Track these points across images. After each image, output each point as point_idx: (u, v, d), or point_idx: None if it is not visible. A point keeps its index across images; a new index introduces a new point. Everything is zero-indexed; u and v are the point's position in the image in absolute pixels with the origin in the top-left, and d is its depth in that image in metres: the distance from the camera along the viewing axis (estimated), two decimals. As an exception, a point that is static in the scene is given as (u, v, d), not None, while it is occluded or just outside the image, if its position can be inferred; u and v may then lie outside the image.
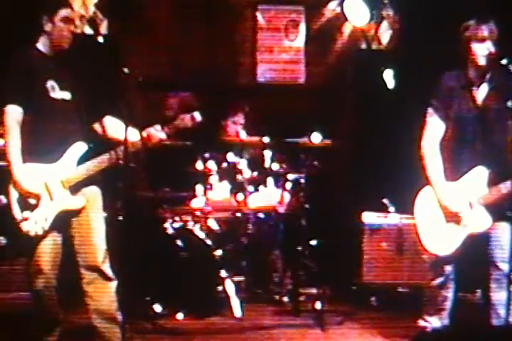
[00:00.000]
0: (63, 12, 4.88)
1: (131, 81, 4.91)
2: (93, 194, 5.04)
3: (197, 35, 8.07)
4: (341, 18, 8.04)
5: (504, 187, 4.97)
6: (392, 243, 6.70)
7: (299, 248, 6.60)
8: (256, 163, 6.83)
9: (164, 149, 5.30)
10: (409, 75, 7.29)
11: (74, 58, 5.00)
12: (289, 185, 6.84)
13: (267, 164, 6.82)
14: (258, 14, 8.26)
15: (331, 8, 8.16)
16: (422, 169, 5.18)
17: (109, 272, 4.99)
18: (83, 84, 4.99)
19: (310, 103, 8.03)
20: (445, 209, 5.12)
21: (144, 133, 5.01)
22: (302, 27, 8.29)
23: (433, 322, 5.23)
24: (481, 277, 5.15)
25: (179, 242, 6.35)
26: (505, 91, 5.00)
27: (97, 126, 5.12)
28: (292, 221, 6.81)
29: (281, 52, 8.31)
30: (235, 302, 6.24)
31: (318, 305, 6.24)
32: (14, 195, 4.87)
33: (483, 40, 5.05)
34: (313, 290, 6.57)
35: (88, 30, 6.37)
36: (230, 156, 6.72)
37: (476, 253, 5.11)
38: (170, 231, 6.43)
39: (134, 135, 4.95)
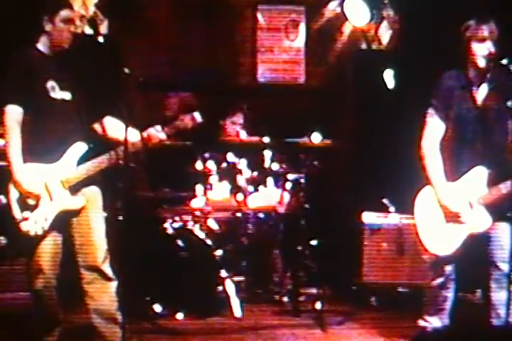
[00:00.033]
0: (64, 12, 4.88)
1: (131, 81, 4.91)
2: (93, 194, 5.04)
3: (197, 35, 8.07)
4: (341, 18, 8.03)
5: (504, 187, 4.97)
6: (392, 243, 6.70)
7: (299, 248, 6.60)
8: (256, 163, 6.83)
9: (164, 149, 5.30)
10: (409, 75, 7.29)
11: (74, 58, 5.00)
12: (289, 185, 6.84)
13: (267, 164, 6.82)
14: (258, 14, 8.26)
15: (331, 8, 8.15)
16: (422, 169, 5.18)
17: (109, 272, 4.99)
18: (83, 84, 4.99)
19: (310, 103, 8.03)
20: (445, 209, 5.12)
21: (144, 134, 5.01)
22: (302, 27, 8.29)
23: (433, 322, 5.23)
24: (481, 277, 5.15)
25: (179, 242, 6.35)
26: (505, 91, 5.00)
27: (97, 126, 5.13)
28: (292, 221, 6.80)
29: (282, 52, 8.31)
30: (235, 302, 6.24)
31: (318, 305, 6.24)
32: (14, 194, 4.88)
33: (483, 40, 5.05)
34: (313, 290, 6.56)
35: (88, 30, 6.36)
36: (230, 156, 6.72)
37: (476, 254, 5.11)
38: (170, 231, 6.43)
39: (134, 135, 4.95)
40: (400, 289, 6.66)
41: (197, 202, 6.69)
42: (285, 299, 6.64)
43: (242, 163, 6.74)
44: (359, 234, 6.76)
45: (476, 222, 5.05)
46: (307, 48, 8.31)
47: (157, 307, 6.16)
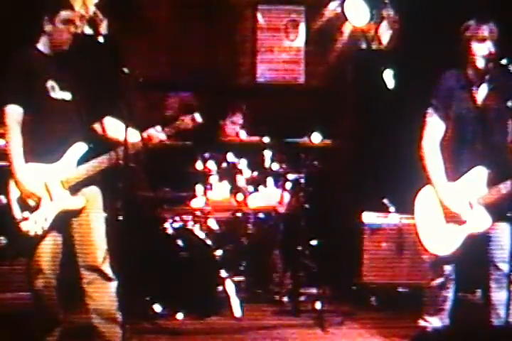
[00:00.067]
0: (64, 14, 4.88)
1: (131, 81, 4.91)
2: (93, 194, 5.04)
3: (197, 35, 8.08)
4: (341, 18, 8.03)
5: (504, 187, 4.96)
6: (392, 243, 6.70)
7: (299, 248, 6.60)
8: (256, 163, 6.83)
9: (164, 149, 5.30)
10: (409, 75, 7.29)
11: (74, 58, 5.00)
12: (289, 185, 6.84)
13: (267, 164, 6.82)
14: (258, 14, 8.26)
15: (331, 8, 8.16)
16: (423, 169, 5.18)
17: (109, 272, 4.99)
18: (83, 85, 4.99)
19: (310, 103, 8.03)
20: (445, 209, 5.12)
21: (144, 134, 5.01)
22: (302, 27, 8.29)
23: (433, 322, 5.23)
24: (481, 277, 5.15)
25: (179, 242, 6.35)
26: (505, 91, 5.00)
27: (97, 127, 5.12)
28: (292, 221, 6.81)
29: (281, 52, 8.31)
30: (235, 302, 6.24)
31: (318, 305, 6.24)
32: (14, 194, 4.88)
33: (483, 40, 5.05)
34: (313, 290, 6.57)
35: (88, 30, 6.37)
36: (230, 156, 6.72)
37: (476, 254, 5.11)
38: (170, 231, 6.43)
39: (134, 135, 4.95)
40: (400, 289, 6.67)
41: (197, 202, 6.69)
42: (285, 299, 6.64)
43: (242, 163, 6.74)
44: (359, 234, 6.77)
45: (476, 222, 5.05)
46: (307, 48, 8.31)
47: (157, 307, 6.16)
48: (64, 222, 4.95)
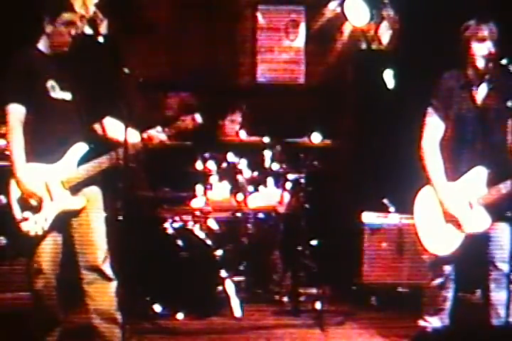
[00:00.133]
0: (65, 15, 4.88)
1: (131, 81, 4.91)
2: (93, 194, 5.04)
3: (197, 35, 8.07)
4: (341, 18, 8.03)
5: (504, 187, 4.97)
6: (392, 243, 6.70)
7: (299, 248, 6.60)
8: (256, 163, 6.83)
9: (164, 149, 5.30)
10: (409, 75, 7.29)
11: (74, 58, 5.00)
12: (289, 185, 6.84)
13: (267, 164, 6.82)
14: (258, 14, 8.26)
15: (331, 8, 8.15)
16: (422, 169, 5.18)
17: (109, 272, 4.99)
18: (83, 85, 4.99)
19: (310, 103, 8.03)
20: (445, 209, 5.12)
21: (145, 135, 5.02)
22: (302, 27, 8.29)
23: (433, 322, 5.23)
24: (481, 277, 5.15)
25: (179, 242, 6.35)
26: (505, 91, 5.00)
27: (97, 127, 5.12)
28: (292, 221, 6.80)
29: (281, 52, 8.30)
30: (235, 302, 6.24)
31: (318, 305, 6.24)
32: (15, 194, 4.88)
33: (483, 40, 5.05)
34: (313, 290, 6.56)
35: (88, 31, 6.36)
36: (230, 156, 6.72)
37: (475, 254, 5.11)
38: (170, 231, 6.43)
39: (134, 136, 4.96)
40: (400, 289, 6.66)
41: (197, 202, 6.69)
42: (285, 299, 6.63)
43: (242, 163, 6.74)
44: (359, 234, 6.76)
45: (475, 222, 5.05)
46: (307, 48, 8.31)
47: (157, 307, 6.16)
48: (64, 222, 4.95)
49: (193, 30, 8.06)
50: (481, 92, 5.13)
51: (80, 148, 4.96)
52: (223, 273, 6.34)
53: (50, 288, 4.96)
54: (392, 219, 6.77)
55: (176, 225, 6.51)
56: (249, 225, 6.76)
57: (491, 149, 5.06)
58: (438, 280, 5.21)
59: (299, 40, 8.30)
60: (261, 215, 6.88)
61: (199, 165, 6.66)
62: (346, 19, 8.00)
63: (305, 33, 8.29)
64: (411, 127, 5.46)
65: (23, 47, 5.02)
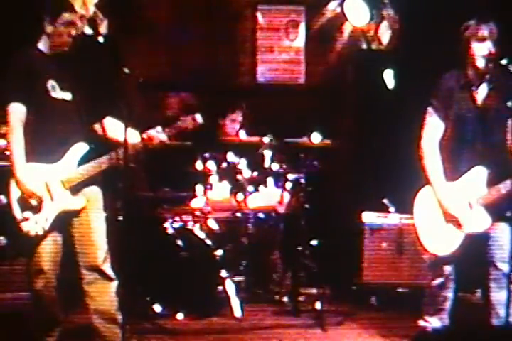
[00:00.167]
0: (65, 16, 4.88)
1: (131, 81, 4.91)
2: (94, 194, 5.04)
3: (197, 35, 8.07)
4: (341, 18, 8.03)
5: (503, 187, 4.97)
6: (392, 243, 6.70)
7: (299, 248, 6.60)
8: (256, 163, 6.83)
9: (164, 149, 5.30)
10: (409, 75, 7.29)
11: (74, 58, 5.00)
12: (289, 185, 6.84)
13: (267, 164, 6.82)
14: (258, 14, 8.26)
15: (331, 8, 8.15)
16: (422, 169, 5.18)
17: (109, 272, 4.99)
18: (83, 85, 4.99)
19: (310, 103, 8.03)
20: (444, 209, 5.12)
21: (145, 135, 5.02)
22: (302, 27, 8.29)
23: (433, 322, 5.24)
24: (481, 277, 5.15)
25: (179, 242, 6.35)
26: (505, 91, 5.00)
27: (97, 127, 5.12)
28: (292, 221, 6.81)
29: (281, 52, 8.30)
30: (235, 302, 6.25)
31: (318, 305, 6.24)
32: (15, 194, 4.88)
33: (483, 40, 5.05)
34: (313, 290, 6.57)
35: (88, 31, 6.36)
36: (230, 156, 6.72)
37: (475, 254, 5.11)
38: (170, 231, 6.44)
39: (134, 136, 4.96)
40: (400, 289, 6.66)
41: (197, 202, 6.69)
42: (285, 299, 6.64)
43: (242, 163, 6.74)
44: (359, 234, 6.76)
45: (475, 222, 5.05)
46: (307, 48, 8.31)
47: (157, 307, 6.16)
48: (64, 222, 4.95)
49: (193, 30, 8.06)
50: (481, 92, 5.13)
51: (80, 148, 4.96)
52: (223, 273, 6.34)
53: (50, 288, 4.96)
54: (392, 219, 6.77)
55: (176, 225, 6.51)
56: (249, 225, 6.76)
57: (491, 149, 5.06)
58: (438, 280, 5.21)
59: (299, 40, 8.30)
60: (261, 215, 6.88)
61: (199, 165, 6.66)
62: (346, 19, 8.00)
63: (305, 33, 8.29)
64: (411, 127, 5.46)
65: (24, 47, 5.02)
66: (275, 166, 6.81)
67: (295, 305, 6.41)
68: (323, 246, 7.07)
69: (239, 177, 6.70)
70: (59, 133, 4.90)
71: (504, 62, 4.93)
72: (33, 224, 4.85)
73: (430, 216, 5.17)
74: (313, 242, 6.98)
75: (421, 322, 5.29)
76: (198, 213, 6.65)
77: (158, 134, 5.04)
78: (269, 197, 6.88)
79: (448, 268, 5.18)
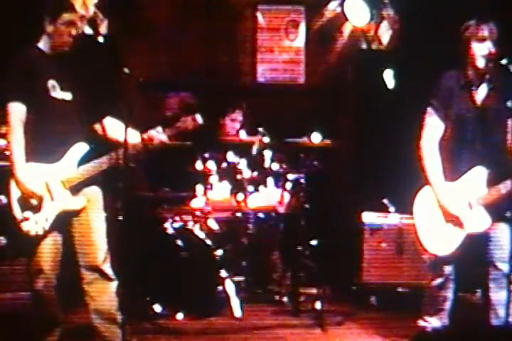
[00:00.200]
0: (66, 16, 4.88)
1: (131, 81, 4.91)
2: (94, 194, 5.04)
3: (197, 35, 8.07)
4: (341, 18, 8.03)
5: (503, 187, 4.97)
6: (392, 243, 6.70)
7: (299, 248, 6.60)
8: (256, 163, 6.83)
9: (164, 149, 5.30)
10: (409, 75, 7.29)
11: (74, 58, 5.00)
12: (289, 185, 6.84)
13: (267, 164, 6.82)
14: (258, 14, 8.26)
15: (331, 8, 8.15)
16: (422, 169, 5.18)
17: (109, 272, 4.99)
18: (83, 85, 4.99)
19: (310, 103, 8.03)
20: (444, 209, 5.12)
21: (145, 135, 5.02)
22: (302, 27, 8.29)
23: (433, 322, 5.23)
24: (481, 277, 5.15)
25: (179, 242, 6.35)
26: (504, 91, 5.00)
27: (97, 127, 5.12)
28: (292, 221, 6.81)
29: (281, 52, 8.31)
30: (235, 302, 6.25)
31: (318, 305, 6.24)
32: (15, 194, 4.88)
33: (483, 40, 5.05)
34: (313, 290, 6.56)
35: (88, 31, 6.36)
36: (230, 156, 6.72)
37: (475, 254, 5.11)
38: (170, 231, 6.44)
39: (134, 136, 4.96)
40: (400, 289, 6.66)
41: (197, 202, 6.69)
42: (285, 299, 6.64)
43: (242, 163, 6.74)
44: (359, 234, 6.76)
45: (475, 222, 5.05)
46: (307, 48, 8.31)
47: (157, 307, 6.16)
48: (64, 222, 4.95)
49: (193, 30, 8.06)
50: (481, 92, 5.13)
51: (81, 148, 4.96)
52: (223, 273, 6.34)
53: (50, 288, 4.96)
54: (392, 219, 6.77)
55: (176, 225, 6.51)
56: (249, 225, 6.76)
57: (491, 149, 5.06)
58: (438, 280, 5.21)
59: (299, 40, 8.30)
60: (261, 215, 6.89)
61: (199, 165, 6.66)
62: (346, 19, 7.99)
63: (305, 33, 8.29)
64: (411, 127, 5.46)
65: (24, 47, 5.01)
66: (275, 166, 6.81)
67: (295, 305, 6.41)
68: (323, 246, 7.07)
69: (239, 177, 6.70)
70: (59, 133, 4.90)
71: (504, 62, 4.93)
72: (33, 224, 4.85)
73: (430, 216, 5.17)
74: (313, 242, 6.98)
75: (421, 322, 5.29)
76: (198, 213, 6.65)
77: (158, 134, 5.04)
78: (269, 197, 6.88)
79: (448, 268, 5.18)
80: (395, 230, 6.72)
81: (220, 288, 6.30)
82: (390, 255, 6.68)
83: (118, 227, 5.34)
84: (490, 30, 5.06)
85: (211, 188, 6.68)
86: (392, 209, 6.89)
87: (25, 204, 4.87)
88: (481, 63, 5.06)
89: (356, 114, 8.01)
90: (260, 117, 7.34)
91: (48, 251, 4.92)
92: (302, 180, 6.64)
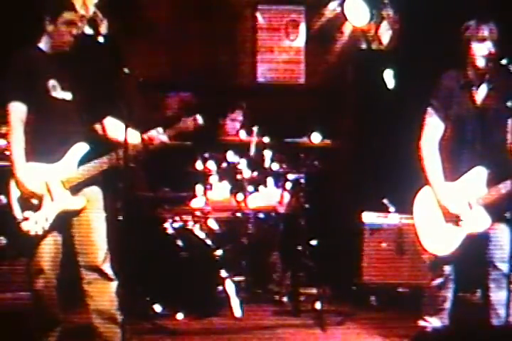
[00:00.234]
0: (66, 15, 4.88)
1: (131, 81, 4.91)
2: (94, 194, 5.04)
3: (197, 35, 8.07)
4: (341, 18, 8.03)
5: (503, 188, 4.96)
6: (392, 243, 6.70)
7: (299, 248, 6.60)
8: (256, 163, 6.83)
9: (164, 149, 5.30)
10: (409, 75, 7.29)
11: (74, 58, 5.00)
12: (289, 185, 6.84)
13: (267, 164, 6.82)
14: (258, 14, 8.26)
15: (331, 8, 8.15)
16: (422, 169, 5.18)
17: (109, 272, 4.99)
18: (84, 85, 4.99)
19: (310, 103, 8.03)
20: (444, 209, 5.12)
21: (146, 136, 5.02)
22: (302, 27, 8.30)
23: (433, 322, 5.23)
24: (481, 277, 5.15)
25: (179, 242, 6.35)
26: (504, 91, 5.00)
27: (98, 127, 5.12)
28: (292, 221, 6.80)
29: (281, 52, 8.31)
30: (235, 302, 6.25)
31: (318, 305, 6.24)
32: (15, 194, 4.88)
33: (483, 40, 5.05)
34: (313, 290, 6.57)
35: (88, 31, 6.37)
36: (230, 156, 6.72)
37: (475, 254, 5.11)
38: (170, 231, 6.44)
39: (134, 136, 4.96)
40: (400, 289, 6.67)
41: (197, 202, 6.69)
42: (285, 299, 6.64)
43: (242, 163, 6.74)
44: (359, 234, 6.77)
45: (475, 222, 5.05)
46: (307, 48, 8.31)
47: (157, 307, 6.16)
48: (64, 222, 4.95)
49: (193, 30, 8.06)
50: (480, 92, 5.13)
51: (81, 148, 4.96)
52: (223, 273, 6.34)
53: (50, 288, 4.96)
54: (392, 219, 6.78)
55: (176, 225, 6.51)
56: (249, 225, 6.76)
57: (491, 149, 5.06)
58: (438, 280, 5.21)
59: (299, 40, 8.31)
60: (261, 215, 6.89)
61: (199, 165, 6.66)
62: (346, 19, 7.99)
63: (305, 33, 8.29)
64: (411, 127, 5.46)
65: (24, 47, 5.01)
66: (275, 166, 6.81)
67: (295, 305, 6.41)
68: (323, 246, 7.07)
69: (239, 177, 6.70)
70: (59, 133, 4.90)
71: (504, 62, 4.93)
72: (33, 224, 4.85)
73: (430, 216, 5.17)
74: (313, 242, 6.98)
75: (421, 322, 5.28)
76: (198, 213, 6.65)
77: (158, 135, 5.04)
78: (269, 197, 6.88)
79: (448, 268, 5.18)
80: (395, 230, 6.72)
81: (220, 288, 6.31)
82: (390, 255, 6.69)
83: (118, 227, 5.35)
84: (490, 30, 5.06)
85: (211, 188, 6.68)
86: (392, 209, 6.89)
87: (25, 204, 4.86)
88: (481, 63, 5.06)
89: (356, 114, 8.02)
90: (260, 117, 7.34)
91: (48, 251, 4.92)
92: (302, 180, 6.64)
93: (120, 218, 5.69)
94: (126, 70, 4.79)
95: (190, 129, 5.12)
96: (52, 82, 4.90)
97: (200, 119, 5.11)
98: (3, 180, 4.94)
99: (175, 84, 7.76)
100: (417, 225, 5.24)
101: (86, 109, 4.98)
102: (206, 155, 6.67)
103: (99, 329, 4.99)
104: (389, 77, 7.72)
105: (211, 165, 6.66)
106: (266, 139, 6.88)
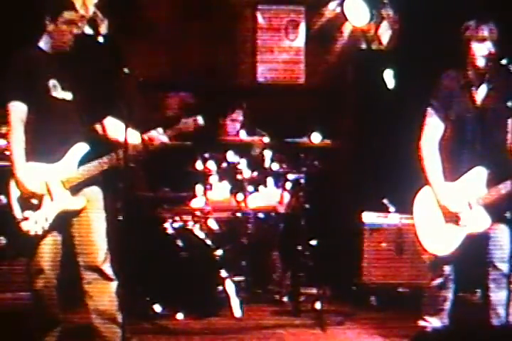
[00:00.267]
0: (66, 14, 4.88)
1: (131, 81, 4.91)
2: (94, 194, 5.04)
3: (197, 35, 8.07)
4: (341, 18, 8.03)
5: (503, 188, 4.96)
6: (392, 243, 6.70)
7: (299, 248, 6.60)
8: (256, 163, 6.83)
9: (164, 149, 5.30)
10: (409, 75, 7.29)
11: (75, 58, 5.00)
12: (289, 185, 6.84)
13: (267, 164, 6.82)
14: (258, 14, 8.26)
15: (331, 8, 8.15)
16: (422, 169, 5.18)
17: (109, 272, 4.99)
18: (84, 85, 4.99)
19: (310, 103, 8.03)
20: (444, 209, 5.12)
21: (146, 136, 5.02)
22: (302, 27, 8.29)
23: (433, 322, 5.23)
24: (481, 277, 5.15)
25: (179, 242, 6.35)
26: (504, 91, 5.00)
27: (98, 127, 5.12)
28: (292, 221, 6.80)
29: (281, 52, 8.30)
30: (235, 302, 6.25)
31: (318, 305, 6.24)
32: (15, 194, 4.88)
33: (483, 40, 5.05)
34: (313, 290, 6.57)
35: (88, 31, 6.37)
36: (230, 156, 6.72)
37: (475, 254, 5.11)
38: (170, 231, 6.44)
39: (135, 136, 4.96)
40: (400, 289, 6.67)
41: (197, 202, 6.69)
42: (285, 299, 6.64)
43: (242, 163, 6.74)
44: (359, 234, 6.77)
45: (475, 222, 5.05)
46: (307, 48, 8.31)
47: (157, 307, 6.16)
48: (64, 222, 4.95)
49: (193, 30, 8.06)
50: (480, 92, 5.13)
51: (81, 148, 4.96)
52: (223, 273, 6.34)
53: (50, 288, 4.96)
54: (392, 219, 6.78)
55: (176, 225, 6.51)
56: (249, 225, 6.76)
57: (491, 149, 5.06)
58: (438, 280, 5.21)
59: (299, 40, 8.30)
60: (261, 215, 6.88)
61: (199, 165, 6.66)
62: (346, 19, 7.99)
63: (305, 33, 8.29)
64: (411, 127, 5.46)
65: (24, 47, 5.01)
66: (275, 166, 6.81)
67: (295, 305, 6.41)
68: (323, 246, 7.07)
69: (239, 177, 6.70)
70: (59, 133, 4.90)
71: (504, 62, 4.93)
72: (33, 224, 4.85)
73: (430, 216, 5.17)
74: (313, 242, 6.98)
75: (421, 322, 5.28)
76: (198, 213, 6.65)
77: (158, 135, 5.04)
78: (269, 197, 6.88)
79: (448, 268, 5.18)
80: (395, 230, 6.72)
81: (220, 288, 6.30)
82: (390, 255, 6.69)
83: (118, 227, 5.35)
84: (490, 30, 5.06)
85: (211, 188, 6.68)
86: (392, 209, 6.89)
87: (25, 204, 4.86)
88: (481, 63, 5.06)
89: (356, 114, 8.01)
90: (260, 117, 7.34)
91: (48, 251, 4.92)
92: (302, 180, 6.64)
93: (120, 218, 5.70)
94: (126, 70, 4.79)
95: (190, 129, 5.12)
96: (52, 82, 4.90)
97: (200, 119, 5.11)
98: (3, 180, 4.94)
99: (175, 84, 7.76)
100: (417, 225, 5.24)
101: (86, 109, 4.98)
102: (206, 155, 6.67)
103: (99, 329, 4.99)
104: (389, 77, 7.72)
105: (211, 165, 6.66)
106: (266, 139, 6.87)
